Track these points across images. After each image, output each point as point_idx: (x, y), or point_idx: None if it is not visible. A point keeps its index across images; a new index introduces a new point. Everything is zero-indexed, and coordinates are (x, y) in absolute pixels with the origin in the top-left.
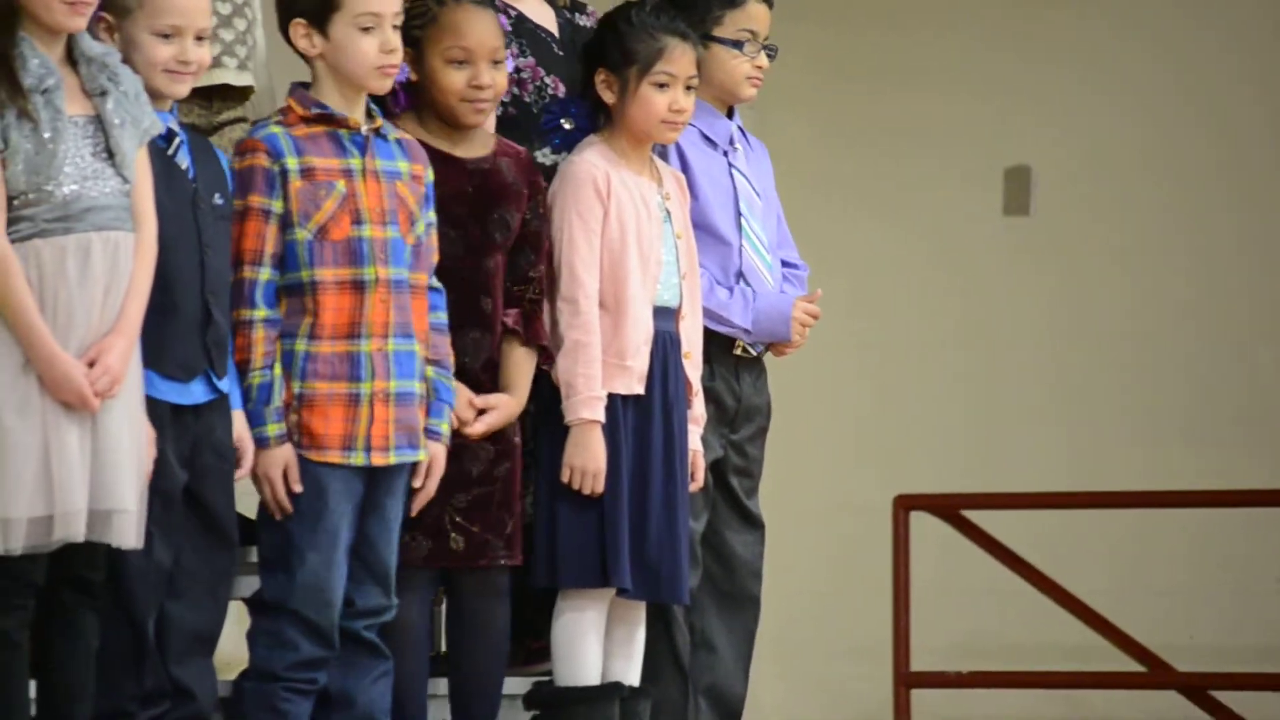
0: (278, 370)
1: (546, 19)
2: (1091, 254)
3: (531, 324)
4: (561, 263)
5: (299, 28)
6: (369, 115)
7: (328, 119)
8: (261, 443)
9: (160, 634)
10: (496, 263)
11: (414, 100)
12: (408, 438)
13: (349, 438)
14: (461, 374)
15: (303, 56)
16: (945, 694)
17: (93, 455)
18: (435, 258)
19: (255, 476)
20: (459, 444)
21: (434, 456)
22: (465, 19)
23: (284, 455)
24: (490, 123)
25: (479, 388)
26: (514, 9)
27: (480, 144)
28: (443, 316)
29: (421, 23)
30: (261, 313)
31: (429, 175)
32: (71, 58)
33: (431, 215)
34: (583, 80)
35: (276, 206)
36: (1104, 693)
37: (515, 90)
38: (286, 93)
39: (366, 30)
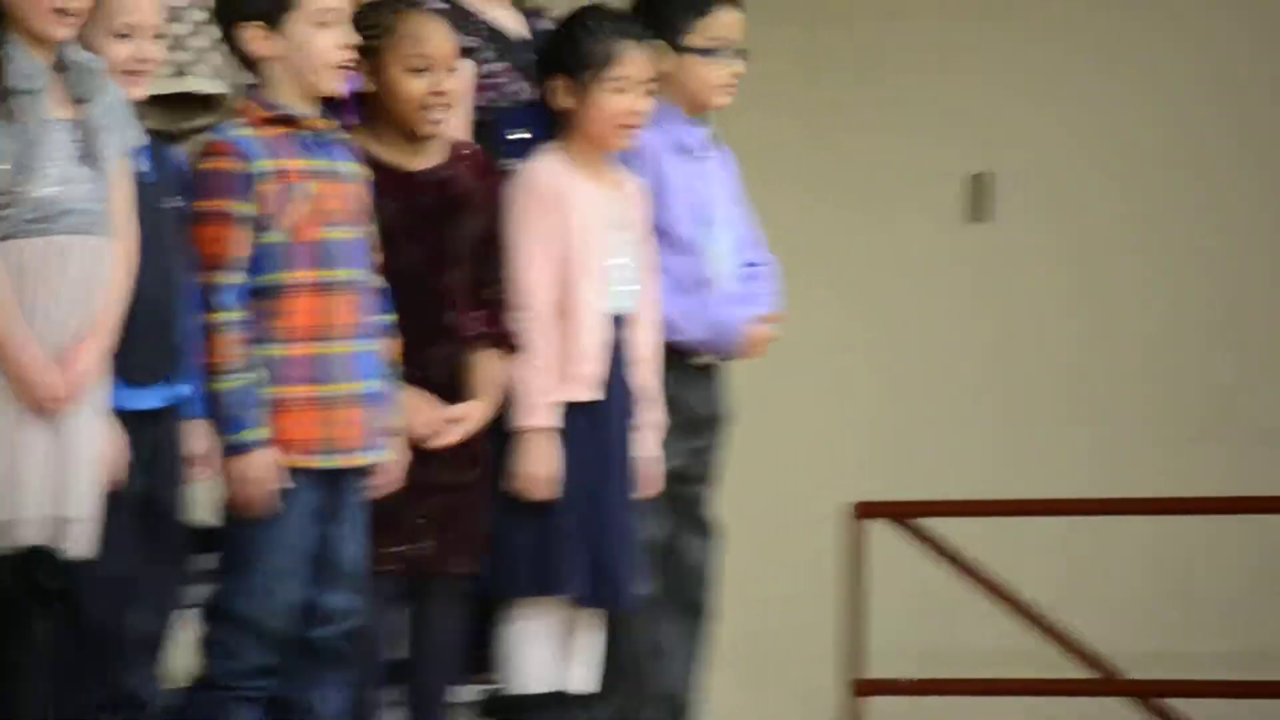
0: (255, 374)
1: (515, 25)
2: (1051, 262)
3: (497, 325)
4: (515, 270)
5: (254, 30)
6: (324, 116)
7: (289, 120)
8: (245, 447)
9: (111, 642)
10: (457, 274)
11: (366, 113)
12: (374, 437)
13: (317, 440)
14: (430, 387)
15: (245, 62)
16: (898, 701)
17: (55, 462)
18: (377, 257)
19: (233, 480)
20: (427, 452)
21: (390, 462)
22: (423, 27)
23: (269, 456)
24: (459, 130)
25: (449, 393)
26: (484, 15)
27: (433, 152)
28: (387, 318)
29: (377, 33)
30: (235, 315)
31: (369, 174)
32: (59, 64)
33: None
34: (539, 87)
35: (247, 209)
36: (1056, 699)
37: (491, 95)
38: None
39: (324, 25)
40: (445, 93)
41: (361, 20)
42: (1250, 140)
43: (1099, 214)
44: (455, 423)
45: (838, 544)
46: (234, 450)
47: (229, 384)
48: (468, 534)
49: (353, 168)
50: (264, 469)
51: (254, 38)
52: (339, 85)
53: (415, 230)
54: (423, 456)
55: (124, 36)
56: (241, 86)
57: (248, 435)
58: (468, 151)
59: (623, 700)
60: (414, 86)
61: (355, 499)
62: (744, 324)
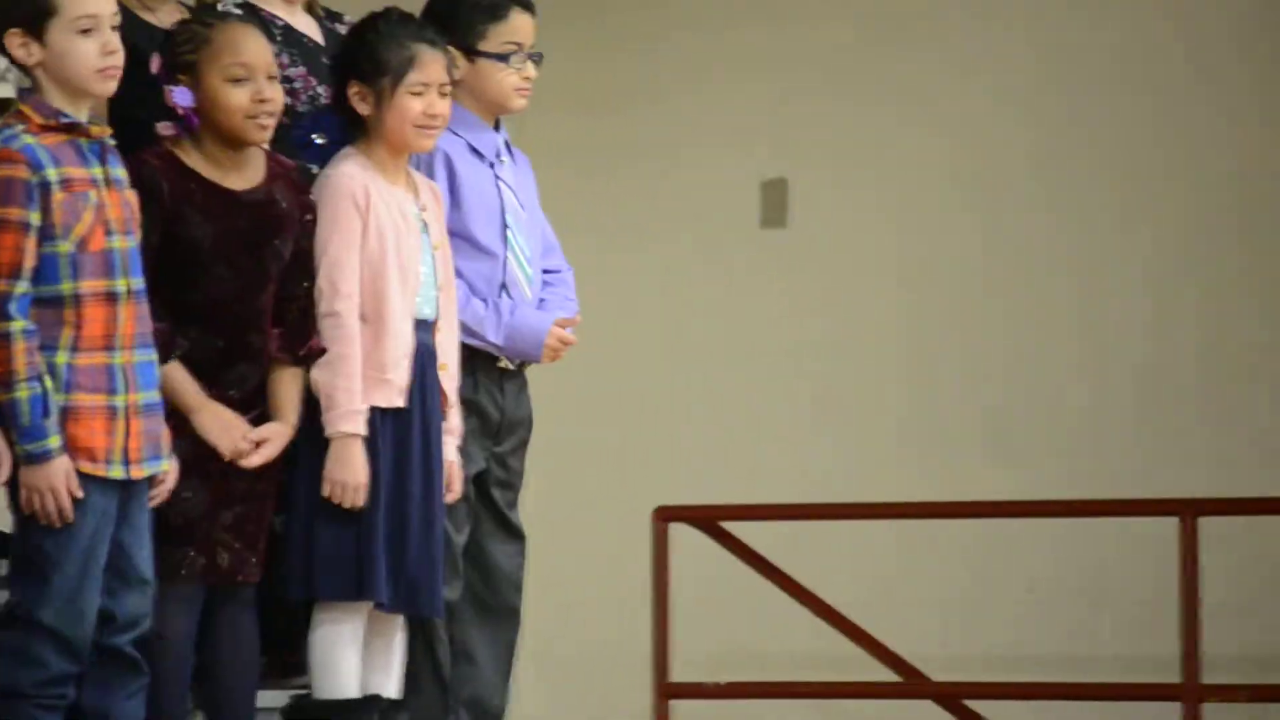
0: (48, 382)
1: (311, 29)
2: (847, 267)
3: (296, 340)
4: (322, 276)
5: (14, 38)
6: (93, 122)
7: (70, 128)
8: (44, 455)
9: None
10: (267, 295)
11: (196, 126)
12: (154, 448)
13: (108, 450)
14: (227, 404)
15: (20, 67)
16: (705, 705)
17: None
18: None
19: (29, 489)
20: (228, 463)
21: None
22: (241, 36)
23: (65, 465)
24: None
25: (250, 408)
26: (280, 19)
27: (253, 168)
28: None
29: (193, 46)
30: (19, 324)
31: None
32: None
33: None
34: (333, 93)
35: (35, 219)
36: (861, 702)
37: (288, 100)
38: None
39: (85, 33)
40: (268, 99)
41: (177, 36)
42: (1036, 143)
43: (892, 218)
44: (260, 444)
45: (643, 549)
46: (29, 459)
47: (21, 393)
48: (256, 543)
49: (122, 173)
50: (59, 477)
51: (17, 45)
52: (105, 89)
53: (231, 254)
54: (222, 468)
55: None
56: (19, 93)
57: (43, 444)
58: (284, 169)
59: (429, 705)
60: (237, 96)
61: (139, 509)
62: (542, 329)
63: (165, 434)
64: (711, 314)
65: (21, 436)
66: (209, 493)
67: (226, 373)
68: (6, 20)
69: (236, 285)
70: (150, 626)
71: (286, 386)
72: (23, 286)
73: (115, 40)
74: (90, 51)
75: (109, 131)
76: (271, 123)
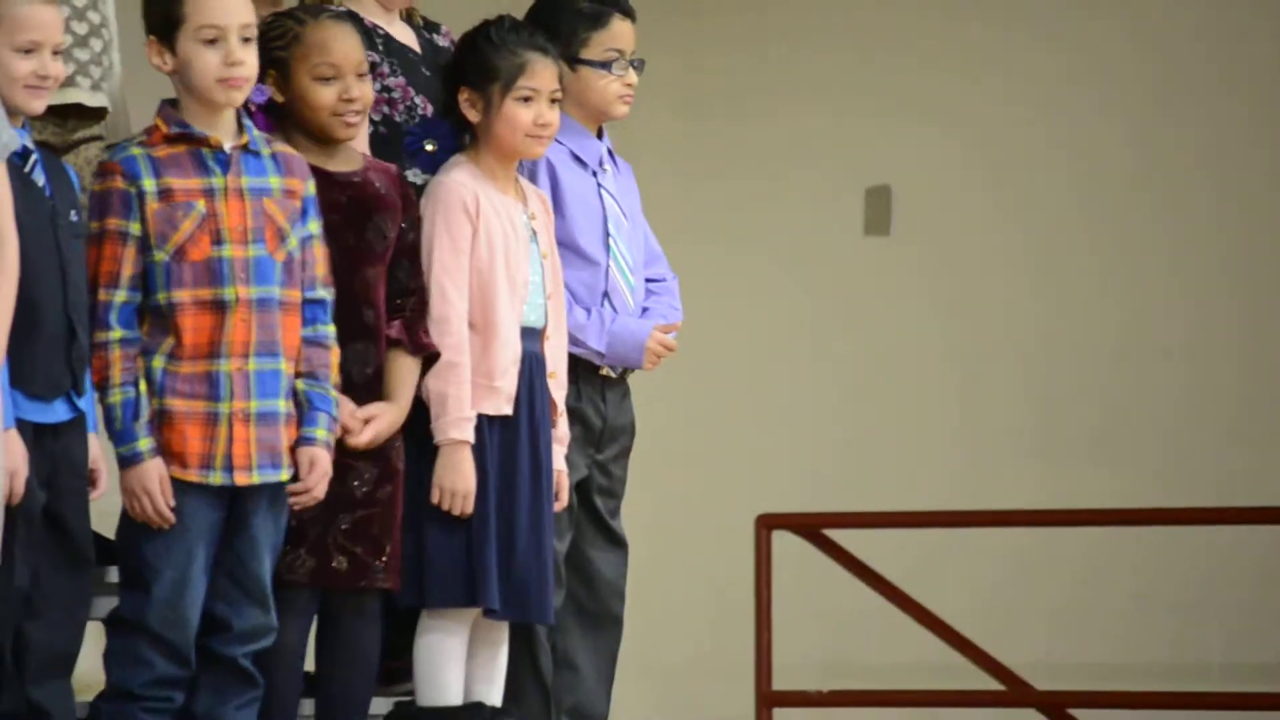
0: (142, 386)
1: (410, 39)
2: (949, 274)
3: (414, 332)
4: (431, 282)
5: (151, 45)
6: (240, 130)
7: (189, 138)
8: (135, 458)
9: (18, 655)
10: (377, 273)
11: (276, 122)
12: (270, 457)
13: (207, 456)
14: (348, 386)
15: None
16: (807, 713)
17: None
18: (320, 269)
19: (125, 492)
20: (344, 465)
21: (314, 460)
22: (330, 35)
23: (158, 468)
24: (362, 142)
25: (368, 398)
26: (381, 29)
27: (350, 160)
28: (322, 329)
29: (284, 43)
30: (117, 334)
31: (308, 189)
32: None
33: (312, 228)
34: (444, 101)
35: (134, 229)
36: (965, 711)
37: (386, 110)
38: (155, 111)
39: (210, 43)
40: (355, 99)
41: (269, 31)
42: (1144, 155)
43: (997, 225)
44: (367, 423)
45: (746, 556)
46: (122, 462)
47: (114, 398)
48: (381, 549)
49: (270, 181)
50: (151, 480)
51: (154, 53)
52: (229, 99)
53: (331, 226)
54: (340, 471)
55: (27, 52)
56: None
57: (133, 446)
58: (380, 166)
59: (532, 713)
60: (324, 94)
61: (255, 518)
62: (643, 335)
63: (284, 443)
64: (815, 321)
65: (115, 440)
66: (325, 495)
67: (345, 349)
68: (147, 26)
69: (340, 259)
70: (269, 640)
71: (401, 372)
72: (122, 295)
73: (241, 52)
74: (212, 62)
75: (245, 141)
76: (359, 120)
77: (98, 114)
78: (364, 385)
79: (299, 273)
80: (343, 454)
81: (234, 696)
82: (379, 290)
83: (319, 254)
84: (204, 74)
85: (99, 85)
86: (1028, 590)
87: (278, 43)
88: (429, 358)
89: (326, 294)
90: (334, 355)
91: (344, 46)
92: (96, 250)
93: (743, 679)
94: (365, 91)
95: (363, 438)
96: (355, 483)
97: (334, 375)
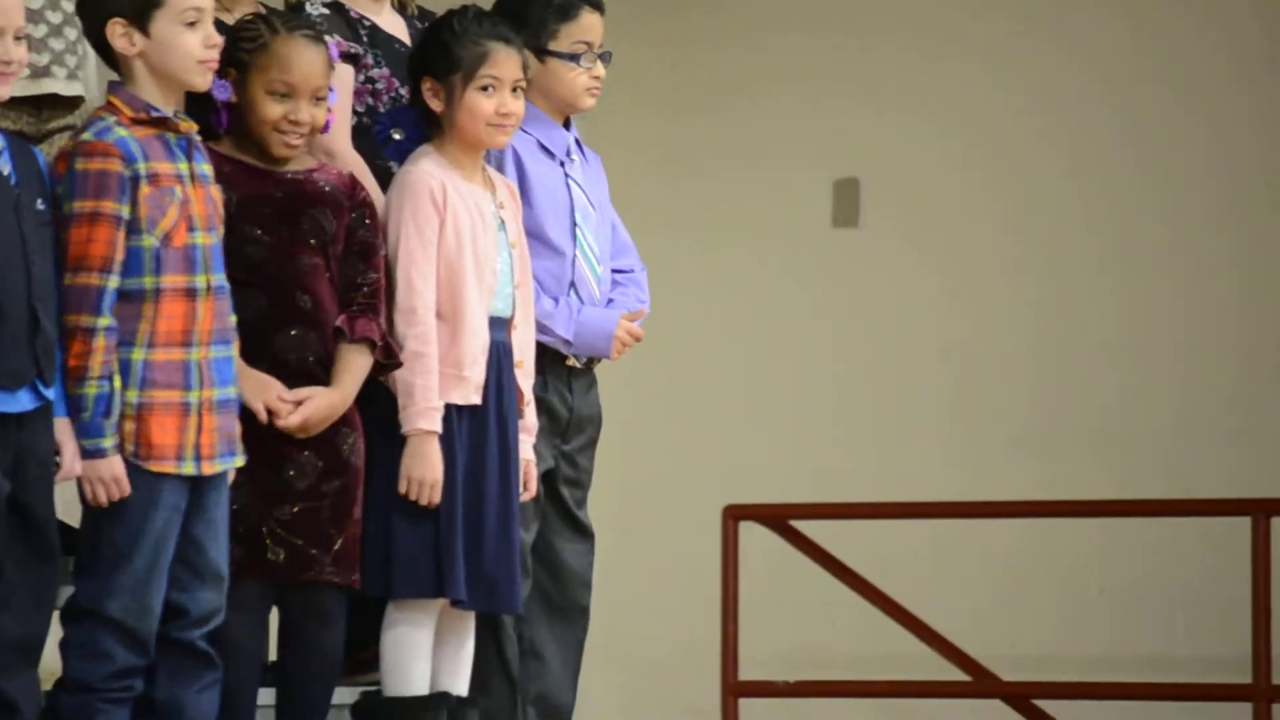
0: (116, 382)
1: (399, 29)
2: (918, 267)
3: (355, 322)
4: (398, 273)
5: (117, 26)
6: (177, 116)
7: (159, 122)
8: (98, 453)
9: None
10: (313, 264)
11: (234, 121)
12: (228, 445)
13: (179, 447)
14: (285, 371)
15: (107, 60)
16: (773, 703)
17: None
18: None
19: (86, 481)
20: (281, 455)
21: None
22: (295, 53)
23: (118, 464)
24: (343, 135)
25: (300, 381)
26: (368, 19)
27: (299, 163)
28: (232, 319)
29: (251, 48)
30: (105, 321)
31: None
32: None
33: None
34: (411, 90)
35: (126, 213)
36: (930, 702)
37: (370, 100)
38: (106, 93)
39: (191, 25)
40: (301, 122)
41: (241, 31)
42: (1130, 142)
43: (962, 219)
44: (297, 404)
45: (714, 547)
46: (85, 454)
47: (88, 390)
48: (328, 542)
49: (207, 168)
50: (117, 473)
51: (120, 35)
52: (205, 81)
53: (264, 217)
54: (278, 463)
55: None
56: (104, 86)
57: (98, 442)
58: (334, 171)
59: (498, 704)
60: (272, 110)
61: (214, 504)
62: (610, 324)
63: (238, 430)
64: (783, 313)
65: (80, 431)
66: (255, 487)
67: (279, 334)
68: (107, 9)
69: (272, 248)
70: (220, 620)
71: (343, 359)
72: (114, 281)
73: (216, 34)
74: (194, 43)
75: (195, 127)
76: (300, 143)
77: (73, 103)
78: (305, 373)
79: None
80: (281, 443)
81: (194, 680)
82: (317, 280)
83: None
84: (186, 55)
85: (74, 74)
86: (995, 582)
87: (245, 45)
88: (390, 354)
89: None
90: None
91: (306, 68)
92: (86, 231)
93: (710, 669)
94: (317, 116)
95: (292, 420)
96: (292, 473)
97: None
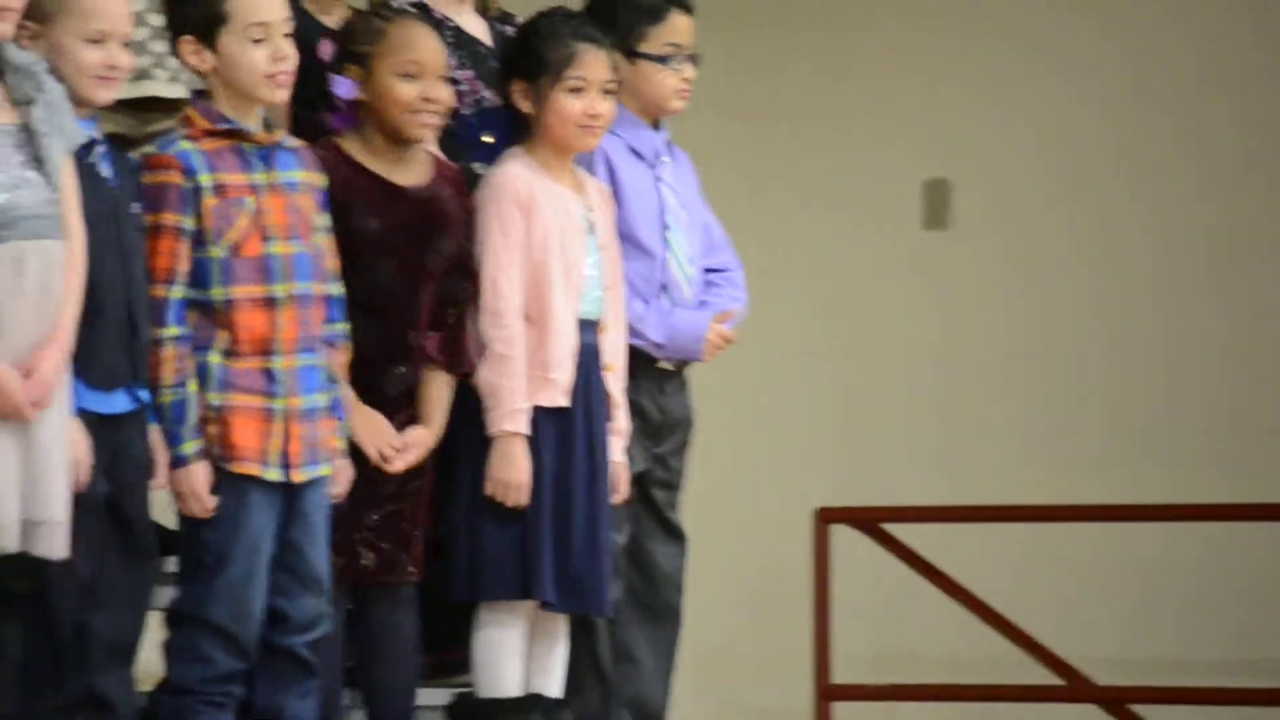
0: (191, 387)
1: (481, 31)
2: (1007, 268)
3: (452, 350)
4: (485, 275)
5: (187, 44)
6: (267, 126)
7: (233, 133)
8: (179, 461)
9: (81, 644)
10: (429, 293)
11: (356, 119)
12: (314, 453)
13: (263, 452)
14: (381, 402)
15: (196, 72)
16: (866, 707)
17: (23, 464)
18: (331, 263)
19: (174, 491)
20: (369, 462)
21: (340, 470)
22: (416, 35)
23: (202, 471)
24: (430, 143)
25: (393, 412)
26: (451, 21)
27: (418, 167)
28: (338, 328)
29: (370, 39)
30: (172, 331)
31: (323, 182)
32: None
33: (326, 220)
34: (501, 92)
35: (189, 224)
36: (1023, 706)
37: (455, 102)
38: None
39: (256, 41)
40: (435, 99)
41: (353, 28)
42: (1199, 150)
43: (1053, 221)
44: (405, 451)
45: (804, 549)
46: (172, 464)
47: (164, 398)
48: (408, 544)
49: (297, 175)
50: (196, 482)
51: (189, 52)
52: (275, 95)
53: (397, 248)
54: (368, 467)
55: (96, 42)
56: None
57: (179, 449)
58: (449, 172)
59: (591, 705)
60: (405, 91)
61: (313, 510)
62: (701, 326)
63: (326, 439)
64: (873, 315)
65: (168, 441)
66: (351, 494)
67: (388, 371)
68: (180, 27)
69: (400, 280)
70: (326, 628)
71: (437, 391)
72: (179, 292)
73: (286, 47)
74: (260, 59)
75: (279, 135)
76: (435, 121)
77: (174, 106)
78: (395, 402)
79: (321, 266)
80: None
81: (294, 685)
82: (426, 314)
83: (331, 246)
84: (252, 70)
85: (176, 77)
86: (1088, 585)
87: (361, 38)
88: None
89: (339, 290)
90: (344, 355)
91: (429, 46)
92: (152, 243)
93: (800, 672)
94: (445, 94)
95: (397, 466)
96: (383, 480)
97: (345, 375)
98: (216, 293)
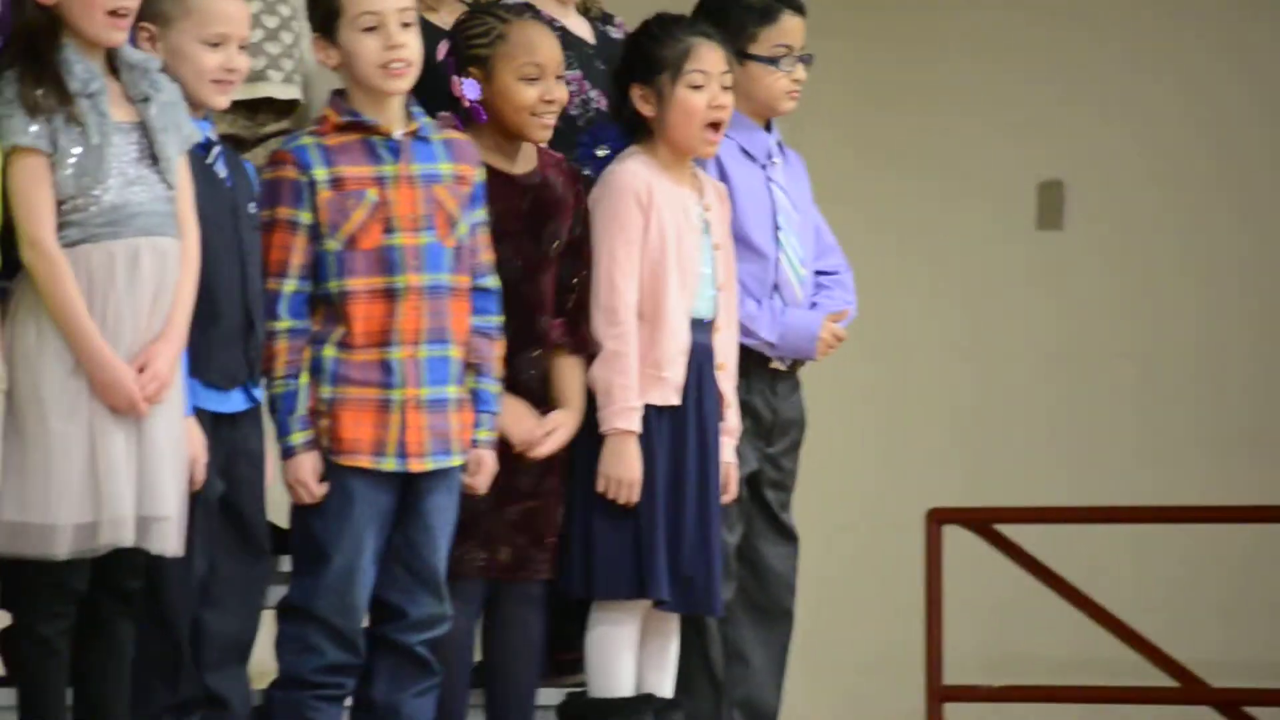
0: (303, 379)
1: (586, 32)
2: (1122, 269)
3: (577, 333)
4: (601, 272)
5: (316, 42)
6: (409, 117)
7: (359, 126)
8: (288, 451)
9: (195, 642)
10: (550, 277)
11: (467, 119)
12: (442, 443)
13: (379, 443)
14: (521, 391)
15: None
16: (977, 708)
17: (137, 461)
18: (486, 257)
19: (285, 482)
20: (508, 457)
21: (481, 462)
22: (536, 36)
23: (312, 460)
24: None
25: (535, 397)
26: (559, 22)
27: (527, 156)
28: (492, 320)
29: (489, 40)
30: (285, 323)
31: (478, 175)
32: (112, 65)
33: (479, 214)
34: (615, 102)
35: (304, 218)
36: (1137, 708)
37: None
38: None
39: (368, 30)
40: (556, 100)
41: (469, 28)
42: None
43: (1166, 222)
44: (550, 434)
45: (915, 550)
46: (283, 454)
47: (276, 389)
48: (542, 540)
49: (441, 168)
50: (304, 473)
51: (318, 49)
52: (392, 86)
53: (513, 234)
54: (508, 462)
55: (214, 46)
56: (324, 93)
57: (287, 440)
58: (555, 159)
59: (703, 706)
60: (527, 94)
61: (430, 505)
62: (815, 325)
63: (461, 431)
64: (987, 315)
65: (279, 432)
66: (493, 488)
67: (521, 357)
68: (312, 25)
69: (520, 266)
70: (445, 628)
71: (570, 375)
72: (292, 285)
73: (401, 36)
74: (372, 48)
75: (415, 128)
76: (554, 121)
77: (288, 108)
78: (528, 387)
79: (468, 259)
80: (505, 445)
81: (411, 684)
82: (551, 296)
83: (486, 241)
84: (366, 61)
85: (290, 78)
86: (1202, 585)
87: (480, 40)
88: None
89: (494, 283)
90: (499, 348)
91: (549, 48)
92: (267, 237)
93: (913, 674)
94: (563, 93)
95: (543, 450)
96: (522, 475)
97: (498, 369)
98: (332, 285)
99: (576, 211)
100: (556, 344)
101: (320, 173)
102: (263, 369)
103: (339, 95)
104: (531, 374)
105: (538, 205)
